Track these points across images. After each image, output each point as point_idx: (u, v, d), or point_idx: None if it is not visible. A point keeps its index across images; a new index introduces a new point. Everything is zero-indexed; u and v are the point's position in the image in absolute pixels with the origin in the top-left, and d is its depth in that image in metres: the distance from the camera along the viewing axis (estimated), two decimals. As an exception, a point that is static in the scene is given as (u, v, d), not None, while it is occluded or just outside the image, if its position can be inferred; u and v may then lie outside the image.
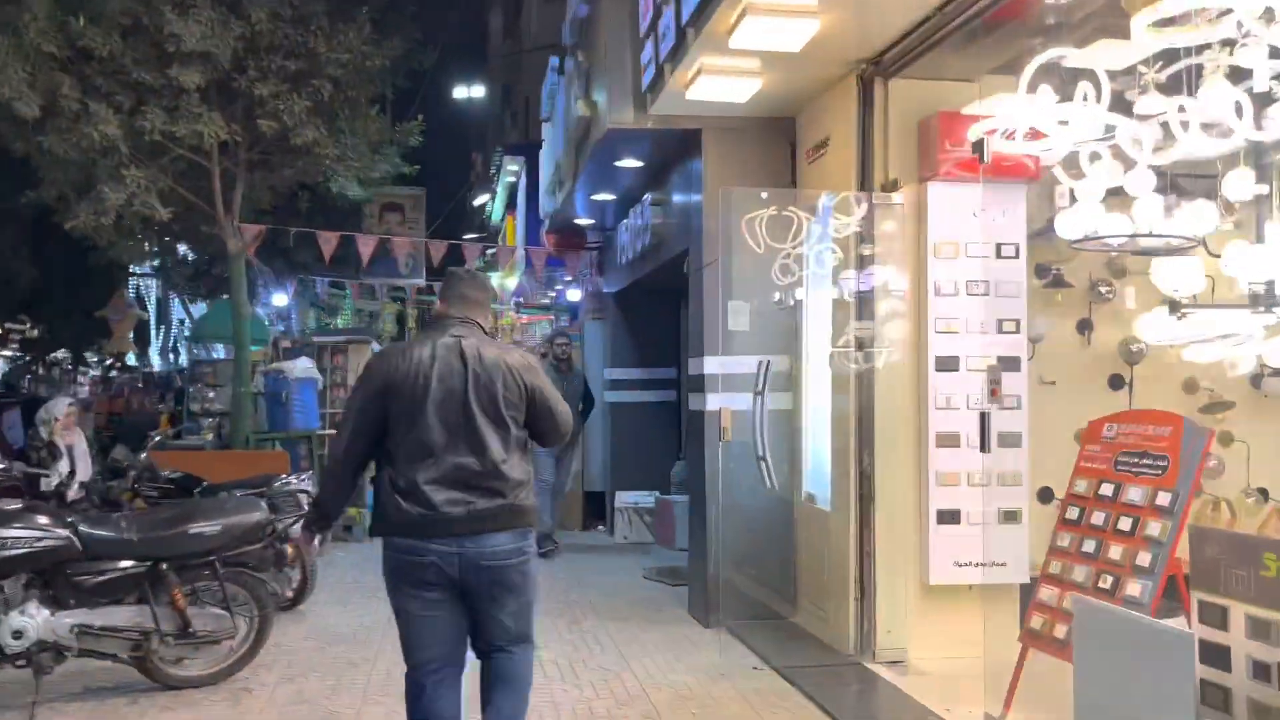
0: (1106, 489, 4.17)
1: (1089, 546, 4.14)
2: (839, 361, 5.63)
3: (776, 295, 5.98)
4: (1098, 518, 4.17)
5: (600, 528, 10.53)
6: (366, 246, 9.94)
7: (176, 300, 15.57)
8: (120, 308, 15.55)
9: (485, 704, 3.41)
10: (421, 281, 19.69)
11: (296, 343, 9.95)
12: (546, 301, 19.90)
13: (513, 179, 15.11)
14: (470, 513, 3.21)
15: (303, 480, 6.57)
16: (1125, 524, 4.02)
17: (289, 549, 5.98)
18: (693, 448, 6.71)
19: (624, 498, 9.77)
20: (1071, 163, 5.20)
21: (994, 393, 4.44)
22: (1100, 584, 4.01)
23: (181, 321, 15.36)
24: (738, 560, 6.22)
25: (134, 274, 16.06)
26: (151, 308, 16.46)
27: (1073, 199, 5.19)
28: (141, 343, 17.51)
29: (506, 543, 3.25)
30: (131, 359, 15.09)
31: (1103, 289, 6.07)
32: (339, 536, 9.80)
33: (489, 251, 19.52)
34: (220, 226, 8.58)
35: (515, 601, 3.34)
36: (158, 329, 16.75)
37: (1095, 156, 4.25)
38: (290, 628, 6.28)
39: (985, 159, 4.44)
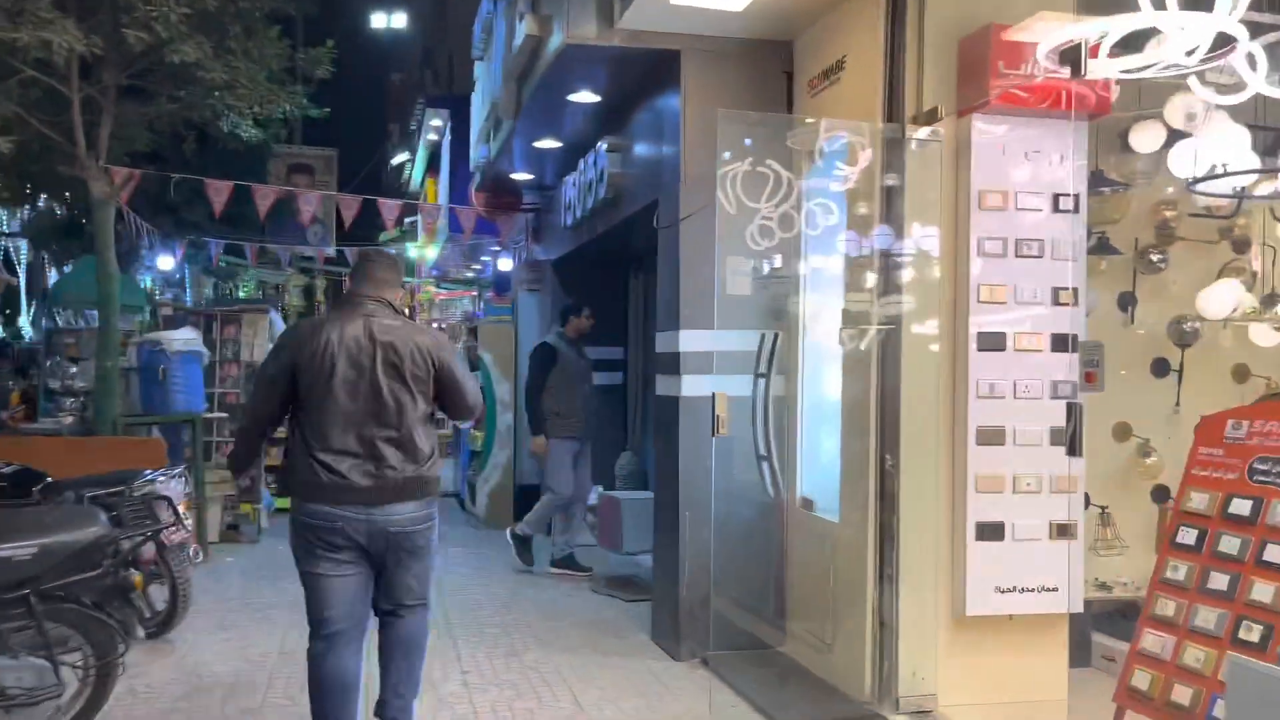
0: (1240, 506, 3.18)
1: (1219, 582, 3.14)
2: (853, 338, 4.54)
3: (767, 258, 4.88)
4: (1229, 544, 3.17)
5: (533, 526, 9.33)
6: (265, 200, 8.52)
7: (50, 263, 13.73)
8: (-16, 271, 13.64)
9: (384, 666, 3.60)
10: (330, 249, 18.11)
11: (180, 310, 8.47)
12: (470, 274, 18.62)
13: (435, 136, 13.72)
14: (378, 483, 3.37)
15: (173, 479, 5.23)
16: (1276, 554, 3.03)
17: (150, 564, 4.70)
18: (661, 440, 5.57)
19: (563, 494, 8.58)
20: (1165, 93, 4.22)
21: (1089, 378, 3.40)
22: (1243, 634, 3.01)
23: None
24: (716, 577, 5.11)
25: (1, 234, 14.14)
26: (21, 272, 14.54)
27: (1170, 135, 4.23)
28: (12, 312, 15.56)
29: (412, 510, 3.44)
30: (-2, 330, 13.23)
31: (1154, 257, 5.13)
32: (226, 536, 8.41)
33: (407, 220, 18.09)
34: (82, 166, 7.09)
35: (419, 565, 3.54)
36: (29, 297, 14.83)
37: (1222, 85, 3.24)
38: (151, 666, 4.96)
39: (1081, 71, 3.38)
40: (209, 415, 7.79)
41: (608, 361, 9.12)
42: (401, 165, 16.89)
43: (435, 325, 20.63)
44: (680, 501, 5.13)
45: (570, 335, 7.52)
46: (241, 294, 16.35)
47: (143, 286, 10.50)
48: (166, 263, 10.99)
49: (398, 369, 3.41)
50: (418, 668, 3.66)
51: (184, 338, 7.56)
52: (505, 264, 10.80)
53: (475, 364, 10.11)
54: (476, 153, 8.71)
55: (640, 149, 6.11)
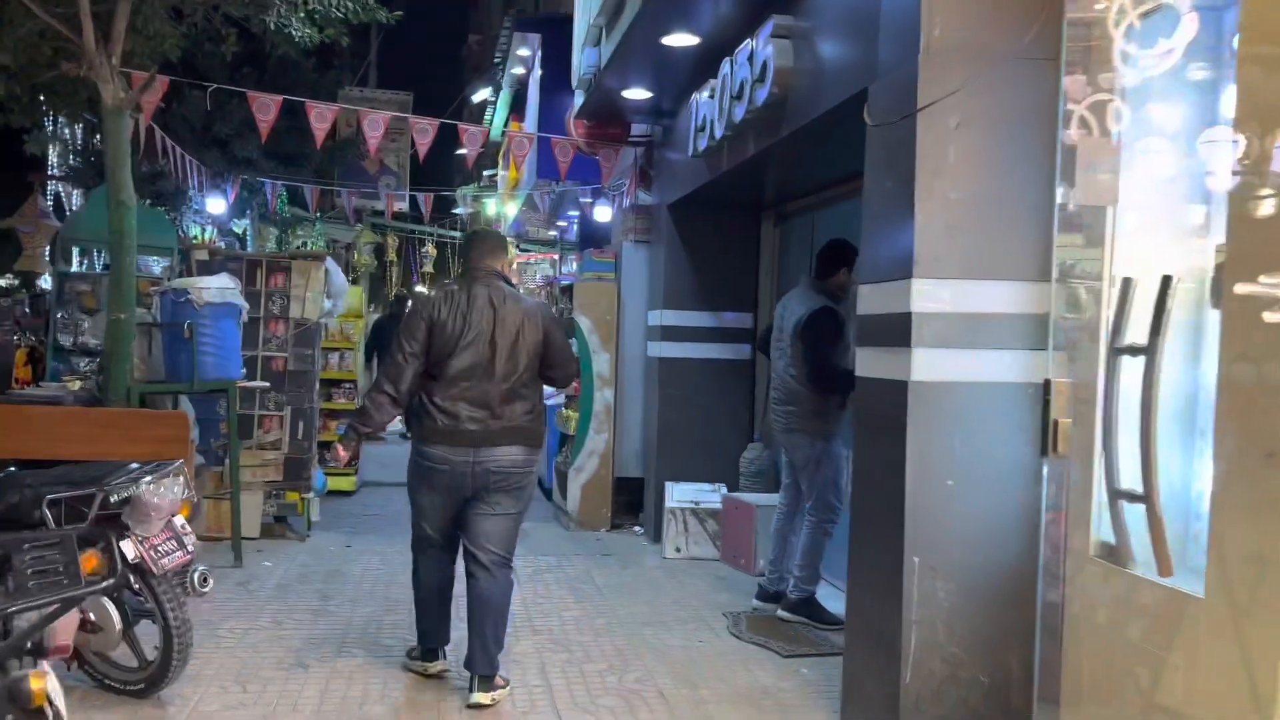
0: None
1: None
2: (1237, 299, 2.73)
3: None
4: None
5: (637, 529, 7.69)
6: (322, 123, 6.95)
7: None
8: (32, 217, 12.37)
9: (471, 624, 3.99)
10: (403, 201, 16.65)
11: (217, 254, 6.96)
12: (553, 233, 17.02)
13: (522, 70, 12.06)
14: (487, 428, 3.90)
15: (165, 478, 3.67)
16: None
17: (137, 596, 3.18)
18: (869, 444, 3.80)
19: (677, 493, 6.91)
20: None
21: None
22: None
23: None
24: (959, 655, 3.38)
25: (52, 176, 12.90)
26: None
27: None
28: (65, 259, 14.33)
29: (516, 454, 3.95)
30: (47, 281, 11.97)
31: None
32: (269, 531, 6.94)
33: (486, 174, 16.50)
34: (90, 64, 5.58)
35: (514, 504, 4.00)
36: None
37: None
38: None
39: None
40: (246, 384, 6.26)
41: (734, 331, 7.40)
42: (482, 105, 15.28)
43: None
44: (906, 541, 3.38)
45: (836, 293, 5.28)
46: (310, 247, 14.97)
47: (188, 229, 9.04)
48: (217, 206, 9.58)
49: (512, 332, 3.91)
50: (501, 625, 4.01)
51: (218, 286, 6.05)
52: (604, 212, 9.12)
53: (566, 330, 8.48)
54: (581, 62, 7.02)
55: (829, 25, 4.32)
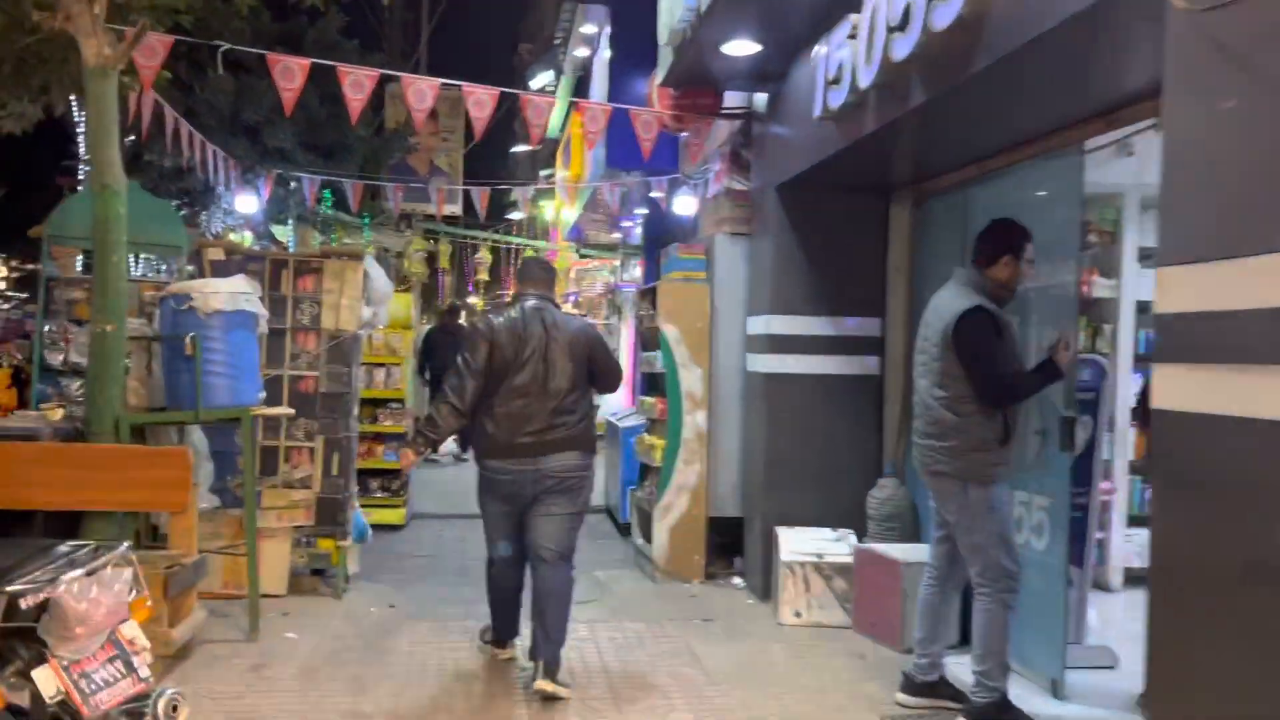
0: None
1: None
2: None
3: None
4: None
5: (736, 581, 6.36)
6: (357, 93, 5.76)
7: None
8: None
9: (536, 615, 4.27)
10: (455, 207, 15.55)
11: (235, 254, 5.78)
12: (615, 237, 15.78)
13: (585, 51, 10.87)
14: (543, 439, 4.23)
15: (102, 574, 2.46)
16: None
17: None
18: (1194, 509, 2.43)
19: (794, 541, 5.58)
20: None
21: None
22: None
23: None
24: None
25: (83, 180, 11.96)
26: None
27: None
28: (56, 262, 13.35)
29: (572, 459, 4.29)
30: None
31: None
32: (299, 586, 5.75)
33: (543, 174, 15.33)
34: (68, 12, 4.44)
35: (570, 504, 4.30)
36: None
37: None
38: None
39: None
40: (265, 411, 5.07)
41: (856, 341, 6.06)
42: (542, 89, 14.10)
43: (571, 301, 17.93)
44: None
45: (998, 292, 4.07)
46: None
47: (218, 234, 7.88)
48: (248, 204, 8.49)
49: (562, 351, 4.30)
50: (564, 617, 4.27)
51: (229, 290, 4.87)
52: (685, 204, 7.82)
53: (648, 341, 7.21)
54: (672, 12, 5.75)
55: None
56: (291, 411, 5.19)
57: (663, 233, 13.77)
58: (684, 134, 6.87)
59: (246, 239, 10.59)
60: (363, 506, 8.47)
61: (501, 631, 4.68)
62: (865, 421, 6.02)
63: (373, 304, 6.00)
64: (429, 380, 11.17)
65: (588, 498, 4.41)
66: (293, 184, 8.70)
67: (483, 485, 4.41)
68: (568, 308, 19.26)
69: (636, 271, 15.99)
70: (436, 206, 11.55)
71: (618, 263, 17.24)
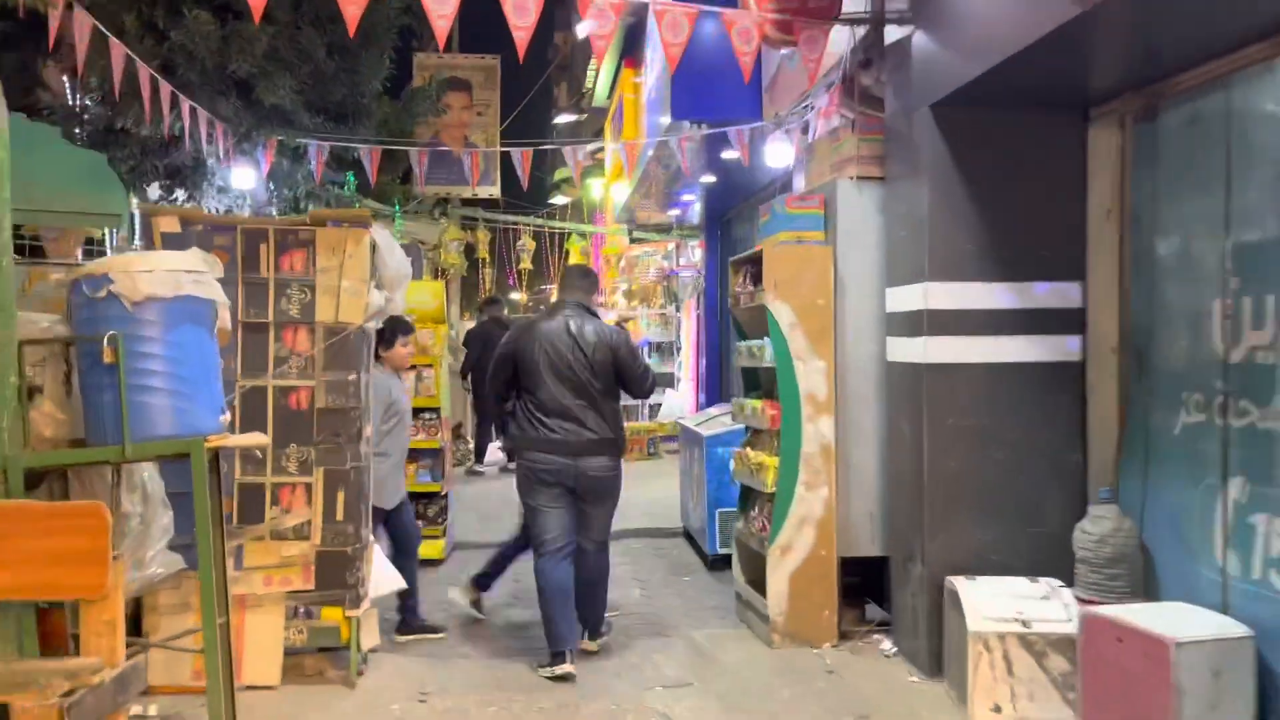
0: None
1: None
2: None
3: None
4: None
5: (886, 646, 4.73)
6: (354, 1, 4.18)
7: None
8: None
9: (579, 593, 4.61)
10: (493, 188, 14.03)
11: (194, 221, 4.24)
12: (672, 215, 14.17)
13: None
14: (579, 440, 4.52)
15: None
16: None
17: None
18: None
19: (982, 599, 3.93)
20: None
21: None
22: None
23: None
24: None
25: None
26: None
27: None
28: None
29: (603, 461, 4.58)
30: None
31: None
32: (297, 670, 4.23)
33: (592, 149, 13.80)
34: None
35: (609, 501, 4.70)
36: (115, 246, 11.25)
37: None
38: None
39: None
40: (227, 441, 3.51)
41: (1049, 315, 4.39)
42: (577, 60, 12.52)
43: (617, 304, 16.34)
44: None
45: None
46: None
47: (117, 175, 6.19)
48: (245, 179, 7.00)
49: (589, 357, 4.55)
50: (604, 593, 4.77)
51: (168, 268, 3.35)
52: (778, 154, 6.18)
53: (746, 327, 5.58)
54: None
55: None
56: (265, 441, 3.64)
57: (727, 206, 12.18)
58: (787, 50, 5.24)
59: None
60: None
61: (558, 640, 4.51)
62: (1064, 426, 4.36)
63: (384, 287, 4.45)
64: (470, 385, 9.67)
65: (619, 491, 4.75)
66: (299, 151, 7.21)
67: (525, 477, 4.65)
68: (617, 298, 17.77)
69: (696, 254, 14.39)
70: (470, 176, 9.96)
71: (672, 246, 15.64)
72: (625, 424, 11.90)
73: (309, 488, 4.25)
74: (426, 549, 6.94)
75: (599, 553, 4.70)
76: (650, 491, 9.13)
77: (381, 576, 4.62)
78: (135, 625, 4.21)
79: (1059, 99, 4.23)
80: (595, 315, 4.71)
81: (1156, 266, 4.03)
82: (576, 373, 4.52)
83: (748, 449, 5.26)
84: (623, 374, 4.63)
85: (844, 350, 4.88)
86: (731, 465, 5.89)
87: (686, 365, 14.10)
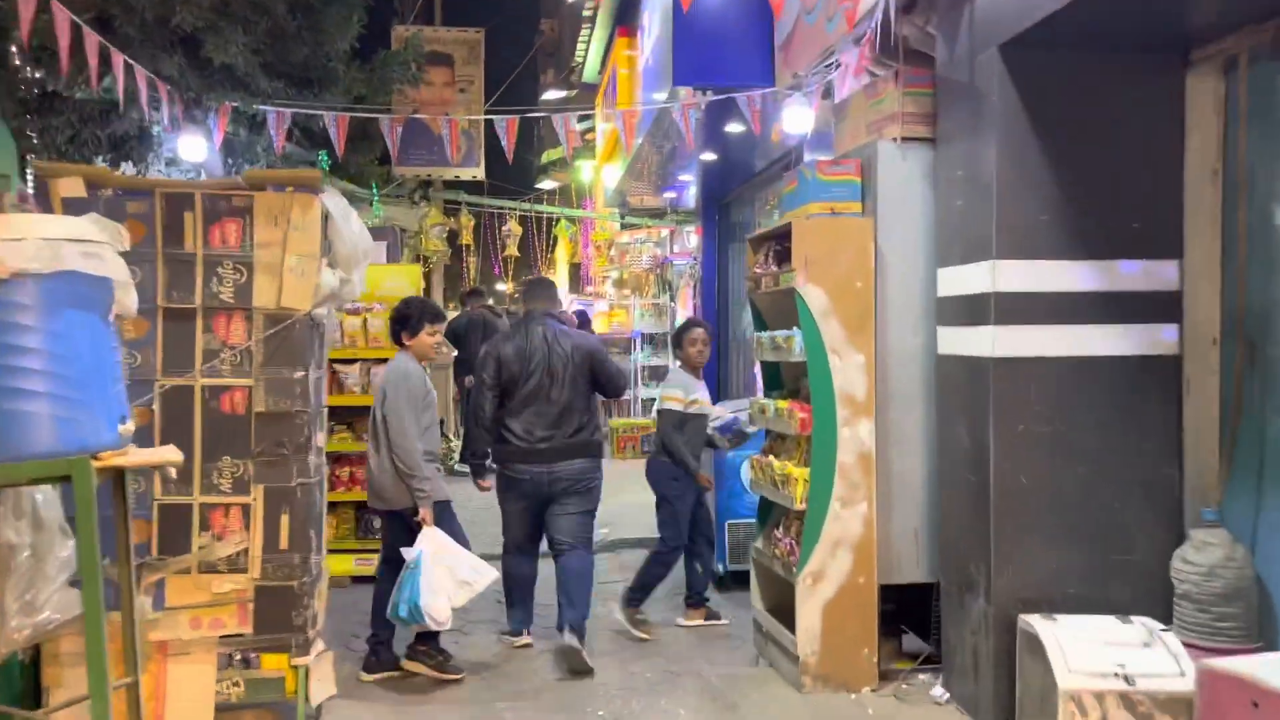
0: None
1: None
2: None
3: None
4: None
5: (937, 692, 4.00)
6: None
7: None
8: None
9: (560, 591, 4.63)
10: (477, 170, 13.24)
11: (103, 182, 3.46)
12: (667, 199, 13.41)
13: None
14: (553, 445, 4.63)
15: None
16: None
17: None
18: None
19: (1070, 646, 3.20)
20: None
21: None
22: None
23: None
24: None
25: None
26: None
27: None
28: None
29: (580, 464, 4.67)
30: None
31: None
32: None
33: (582, 126, 13.02)
34: None
35: (582, 504, 4.71)
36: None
37: None
38: None
39: None
40: (126, 461, 2.73)
41: (1138, 300, 3.66)
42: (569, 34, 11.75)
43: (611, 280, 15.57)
44: None
45: None
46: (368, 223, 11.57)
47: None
48: (194, 150, 6.21)
49: (564, 364, 4.65)
50: (586, 589, 4.66)
51: (45, 236, 2.60)
52: (797, 119, 5.44)
53: (768, 314, 4.83)
54: None
55: None
56: (177, 459, 2.86)
57: (726, 189, 11.41)
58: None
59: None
60: (362, 553, 6.32)
61: (518, 621, 4.83)
62: (1157, 433, 3.64)
63: (339, 266, 3.69)
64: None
65: (597, 496, 4.82)
66: (259, 120, 6.41)
67: (503, 485, 4.76)
68: (606, 287, 16.98)
69: (691, 240, 13.64)
70: (450, 150, 9.16)
71: (666, 232, 14.87)
72: (618, 420, 11.03)
73: (246, 509, 3.49)
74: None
75: (577, 550, 4.73)
76: (646, 495, 8.35)
77: (468, 571, 4.25)
78: (34, 679, 3.45)
79: (1154, 38, 3.51)
80: (562, 322, 4.95)
81: (1275, 239, 3.31)
82: (554, 379, 4.65)
83: (770, 457, 4.52)
84: (598, 376, 4.76)
85: (885, 342, 4.15)
86: (746, 473, 5.17)
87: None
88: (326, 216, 3.64)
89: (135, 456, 2.76)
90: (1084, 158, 3.60)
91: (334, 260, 3.70)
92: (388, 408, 4.30)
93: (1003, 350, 3.59)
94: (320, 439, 3.75)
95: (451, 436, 10.85)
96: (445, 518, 4.40)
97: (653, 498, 5.20)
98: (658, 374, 13.66)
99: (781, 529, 4.42)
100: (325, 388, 3.79)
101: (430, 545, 4.18)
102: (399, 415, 4.25)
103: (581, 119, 12.62)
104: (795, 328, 4.15)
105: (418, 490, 4.23)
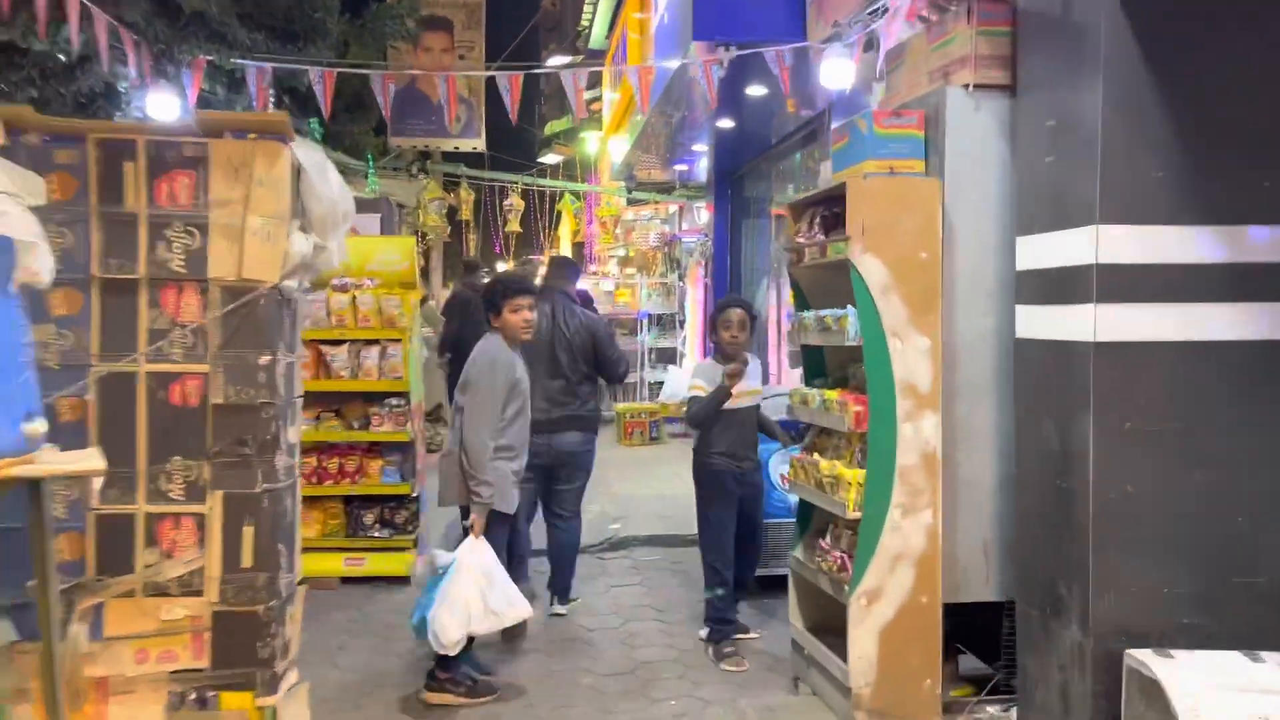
0: None
1: None
2: None
3: None
4: None
5: (1016, 732, 3.45)
6: None
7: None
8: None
9: (551, 559, 5.08)
10: (478, 141, 12.61)
11: (25, 128, 2.88)
12: (676, 172, 12.78)
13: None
14: (555, 418, 4.82)
15: None
16: None
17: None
18: None
19: (1197, 690, 2.64)
20: None
21: None
22: None
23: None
24: None
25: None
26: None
27: None
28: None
29: (576, 438, 4.91)
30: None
31: None
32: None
33: (588, 95, 12.37)
34: None
35: (580, 474, 5.03)
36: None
37: None
38: None
39: None
40: (39, 468, 2.16)
41: (1270, 271, 3.07)
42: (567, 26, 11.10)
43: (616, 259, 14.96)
44: None
45: None
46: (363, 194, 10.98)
47: None
48: (165, 107, 5.61)
49: (569, 342, 4.90)
50: (573, 559, 5.09)
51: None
52: (836, 72, 4.84)
53: (808, 291, 4.23)
54: None
55: None
56: (99, 468, 2.28)
57: (739, 162, 10.79)
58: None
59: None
60: (352, 552, 5.78)
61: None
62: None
63: (314, 230, 3.09)
64: (450, 362, 8.32)
65: (590, 468, 5.10)
66: (237, 76, 5.80)
67: None
68: (610, 266, 16.37)
69: (701, 216, 13.03)
70: (448, 114, 8.54)
71: (674, 208, 14.25)
72: (623, 405, 10.89)
73: (201, 520, 2.91)
74: (392, 564, 5.72)
75: (569, 519, 5.02)
76: (657, 485, 7.84)
77: (500, 600, 3.79)
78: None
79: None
80: (575, 302, 5.09)
81: None
82: (557, 354, 4.87)
83: (816, 455, 3.93)
84: (600, 357, 4.97)
85: (953, 323, 3.56)
86: (782, 472, 4.60)
87: (691, 340, 12.78)
88: (298, 171, 3.04)
89: (44, 464, 2.18)
90: (1209, 102, 3.00)
91: (307, 223, 3.10)
92: (470, 398, 3.90)
93: (1106, 334, 3.00)
94: (293, 435, 3.16)
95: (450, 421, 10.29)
96: (499, 532, 3.93)
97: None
98: (665, 356, 13.09)
99: (829, 539, 3.84)
100: (298, 375, 3.20)
101: (469, 557, 3.72)
102: (479, 409, 3.87)
103: (589, 86, 12.00)
104: (850, 306, 3.56)
105: (474, 491, 3.81)
